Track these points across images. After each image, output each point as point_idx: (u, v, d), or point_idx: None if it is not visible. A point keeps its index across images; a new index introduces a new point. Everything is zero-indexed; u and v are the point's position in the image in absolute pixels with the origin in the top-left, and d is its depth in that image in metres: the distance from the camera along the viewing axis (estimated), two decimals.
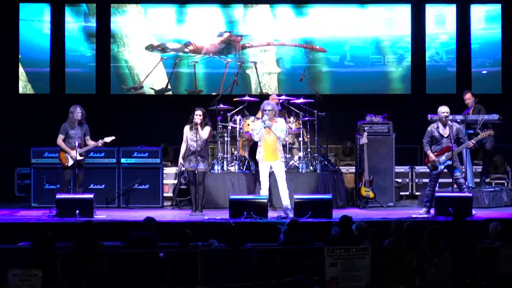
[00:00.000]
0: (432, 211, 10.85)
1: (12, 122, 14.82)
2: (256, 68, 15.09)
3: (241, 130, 12.63)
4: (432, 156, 10.89)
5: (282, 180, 10.88)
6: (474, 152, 12.57)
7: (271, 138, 10.84)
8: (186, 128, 11.25)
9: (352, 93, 15.27)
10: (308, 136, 12.88)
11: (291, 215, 10.60)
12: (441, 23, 15.34)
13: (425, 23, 15.25)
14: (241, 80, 14.70)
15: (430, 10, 15.30)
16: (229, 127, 12.72)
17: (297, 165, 12.49)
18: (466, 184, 11.32)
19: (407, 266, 7.53)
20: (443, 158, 10.90)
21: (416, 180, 13.73)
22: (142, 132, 14.72)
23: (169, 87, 15.17)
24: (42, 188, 12.36)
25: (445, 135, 10.93)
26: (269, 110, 10.83)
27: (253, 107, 13.25)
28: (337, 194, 12.13)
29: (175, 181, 12.89)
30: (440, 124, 10.98)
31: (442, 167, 10.93)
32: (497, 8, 15.27)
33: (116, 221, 10.34)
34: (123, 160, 12.50)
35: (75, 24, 15.17)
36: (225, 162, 12.56)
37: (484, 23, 15.31)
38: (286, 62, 15.24)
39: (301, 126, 12.64)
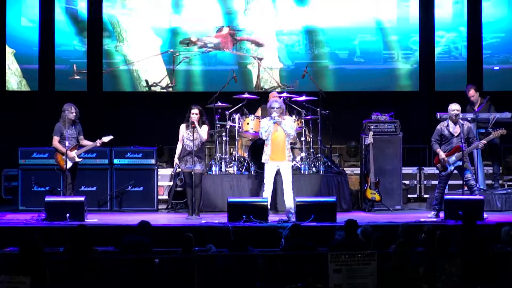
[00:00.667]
0: (442, 214, 10.85)
1: None
2: (258, 64, 15.06)
3: (240, 129, 12.63)
4: (442, 154, 10.88)
5: (288, 182, 10.92)
6: (485, 152, 12.57)
7: (279, 136, 10.89)
8: (182, 127, 11.26)
9: (357, 90, 15.25)
10: (311, 136, 12.88)
11: (293, 219, 10.61)
12: (451, 17, 15.33)
13: (434, 16, 15.24)
14: (240, 76, 14.70)
15: (440, 3, 15.29)
16: (228, 126, 12.72)
17: (299, 166, 12.50)
18: (477, 186, 11.33)
19: (414, 272, 7.53)
20: (453, 158, 10.90)
21: (425, 182, 13.73)
22: (135, 131, 14.70)
23: (172, 83, 15.13)
24: (31, 190, 12.36)
25: (455, 134, 10.93)
26: (277, 108, 10.89)
27: (252, 105, 13.27)
28: (341, 196, 12.14)
29: (171, 183, 12.90)
30: (450, 123, 10.98)
31: (452, 168, 10.94)
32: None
33: (108, 225, 10.36)
34: (115, 161, 12.50)
35: (65, 17, 15.16)
36: (223, 163, 12.56)
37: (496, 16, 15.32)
38: (288, 57, 15.23)
39: (303, 125, 12.64)
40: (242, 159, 12.64)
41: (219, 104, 12.84)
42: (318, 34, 15.17)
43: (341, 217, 10.39)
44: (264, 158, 10.98)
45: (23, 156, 12.47)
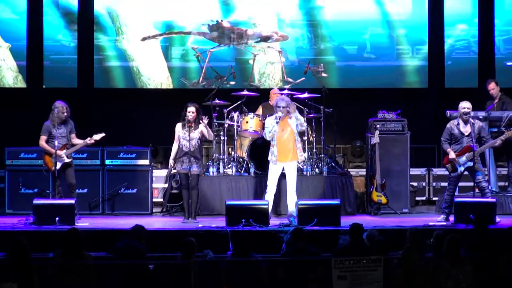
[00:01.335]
0: (451, 218, 10.86)
1: None
2: (254, 59, 15.07)
3: (239, 128, 12.64)
4: (452, 153, 10.89)
5: (292, 184, 10.93)
6: (497, 152, 12.57)
7: (286, 135, 10.86)
8: (178, 126, 11.27)
9: (362, 87, 15.27)
10: (314, 135, 12.90)
11: (294, 222, 10.62)
12: (461, 10, 15.34)
13: (444, 9, 15.24)
14: (239, 72, 14.71)
15: None
16: (226, 125, 12.73)
17: (301, 167, 12.50)
18: (489, 188, 11.35)
19: (421, 279, 7.54)
20: (463, 159, 10.91)
21: (434, 183, 13.74)
22: (129, 130, 14.72)
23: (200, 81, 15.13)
24: (18, 192, 12.37)
25: (466, 134, 10.94)
26: (283, 107, 10.82)
27: (252, 103, 13.27)
28: (345, 199, 12.15)
29: (166, 185, 12.91)
30: (461, 121, 10.99)
31: (462, 169, 10.95)
32: None
33: (100, 229, 10.35)
34: (107, 162, 12.51)
35: (54, 10, 15.17)
36: (221, 163, 12.58)
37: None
38: (291, 52, 15.24)
39: (306, 124, 12.64)
40: (241, 159, 12.65)
41: (217, 101, 12.86)
42: (322, 27, 15.19)
43: (346, 221, 10.40)
44: (271, 159, 10.93)
45: (10, 157, 12.48)
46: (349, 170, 13.59)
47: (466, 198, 11.14)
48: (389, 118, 12.49)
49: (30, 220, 10.79)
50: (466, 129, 10.95)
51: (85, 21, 15.16)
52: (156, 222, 11.46)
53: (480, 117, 11.98)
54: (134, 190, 12.47)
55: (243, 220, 10.39)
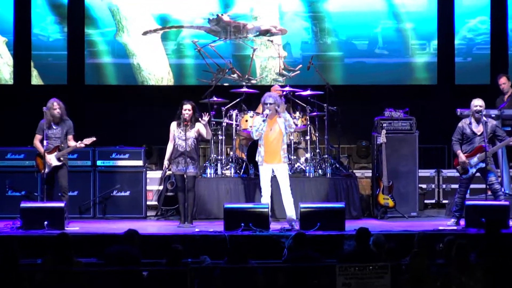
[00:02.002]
0: (462, 222, 10.87)
1: None
2: (252, 54, 15.07)
3: (238, 127, 12.65)
4: (462, 156, 10.90)
5: (286, 187, 10.88)
6: (511, 153, 12.59)
7: (274, 135, 10.83)
8: (173, 124, 11.27)
9: (368, 84, 15.30)
10: (317, 135, 12.91)
11: (296, 227, 10.63)
12: (473, 3, 15.35)
13: (454, 2, 15.26)
14: (238, 69, 14.72)
15: None
16: (224, 124, 12.74)
17: (304, 168, 12.52)
18: (502, 190, 11.34)
19: (431, 286, 7.55)
20: (475, 159, 10.92)
21: (444, 186, 13.76)
22: (121, 129, 14.74)
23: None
24: (4, 195, 12.37)
25: (478, 133, 10.94)
26: (270, 104, 10.78)
27: (252, 100, 13.28)
28: (350, 202, 12.16)
29: (161, 187, 12.92)
30: (472, 120, 10.99)
31: (474, 170, 10.95)
32: None
33: (91, 234, 10.35)
34: (99, 163, 12.52)
35: (43, 2, 15.20)
36: (219, 164, 12.58)
37: None
38: (293, 47, 15.25)
39: (308, 123, 12.67)
40: (240, 160, 12.66)
41: (215, 99, 12.87)
42: (326, 20, 15.22)
43: (351, 225, 10.40)
44: (258, 159, 10.93)
45: None
46: (354, 171, 13.59)
47: (477, 201, 11.15)
48: (396, 116, 12.50)
49: (17, 225, 10.78)
50: (478, 129, 10.94)
51: (75, 15, 15.18)
52: (150, 226, 11.46)
53: (493, 115, 11.98)
54: (127, 193, 12.48)
55: (242, 224, 10.39)
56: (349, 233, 9.89)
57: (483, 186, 11.24)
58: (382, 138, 12.17)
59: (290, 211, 10.85)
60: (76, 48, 15.19)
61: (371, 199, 12.60)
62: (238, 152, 12.85)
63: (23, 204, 10.83)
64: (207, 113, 11.32)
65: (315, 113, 12.87)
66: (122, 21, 15.25)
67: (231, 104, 12.93)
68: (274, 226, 10.78)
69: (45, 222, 10.52)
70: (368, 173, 13.56)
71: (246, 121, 12.50)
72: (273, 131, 10.82)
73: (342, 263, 7.64)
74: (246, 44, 15.13)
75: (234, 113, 12.71)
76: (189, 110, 11.12)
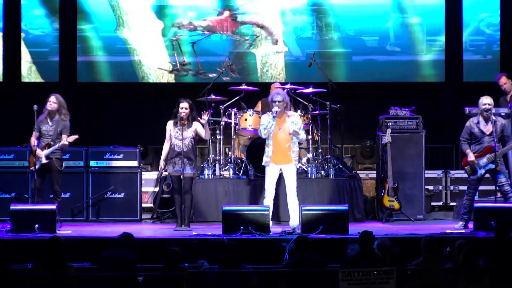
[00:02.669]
0: (471, 225, 10.89)
1: None
2: (248, 48, 15.11)
3: (237, 126, 12.66)
4: (471, 156, 10.91)
5: (292, 188, 10.92)
6: None
7: (283, 135, 10.86)
8: (170, 124, 11.28)
9: (372, 81, 15.30)
10: (319, 134, 12.92)
11: (298, 230, 10.65)
12: None
13: None
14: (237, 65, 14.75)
15: None
16: (222, 123, 12.75)
17: (306, 169, 12.53)
18: None
19: None
20: (484, 160, 10.93)
21: (451, 187, 13.77)
22: (116, 128, 14.74)
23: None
24: None
25: (487, 133, 10.96)
26: (279, 101, 10.82)
27: (252, 98, 13.28)
28: (354, 204, 12.17)
29: (156, 189, 12.92)
30: (481, 119, 11.00)
31: (483, 171, 10.97)
32: None
33: (84, 237, 10.37)
34: (92, 163, 12.53)
35: None
36: (217, 165, 12.59)
37: None
38: (294, 43, 15.26)
39: (310, 122, 12.67)
40: (239, 160, 12.67)
41: (213, 97, 12.88)
42: (329, 15, 15.23)
43: (354, 228, 10.43)
44: (265, 161, 10.96)
45: None
46: (358, 172, 13.60)
47: (487, 203, 11.17)
48: (402, 115, 12.50)
49: (7, 228, 10.81)
50: (487, 128, 10.96)
51: (67, 9, 15.18)
52: (145, 229, 11.48)
53: (502, 114, 12.00)
54: (122, 195, 12.49)
55: (241, 227, 10.41)
56: (353, 236, 9.90)
57: (493, 187, 11.26)
58: (387, 138, 12.18)
59: (294, 220, 10.85)
60: (68, 44, 15.19)
61: (376, 201, 12.60)
62: (237, 152, 12.87)
63: (13, 206, 10.86)
64: (207, 112, 11.33)
65: (317, 112, 12.89)
66: (122, 16, 15.26)
67: (229, 103, 12.94)
68: (275, 229, 10.80)
69: (36, 225, 10.55)
70: (373, 174, 13.56)
71: (245, 120, 12.51)
72: (282, 130, 10.86)
73: (345, 267, 7.66)
74: (243, 39, 15.13)
75: (233, 111, 12.72)
76: (186, 108, 11.12)
